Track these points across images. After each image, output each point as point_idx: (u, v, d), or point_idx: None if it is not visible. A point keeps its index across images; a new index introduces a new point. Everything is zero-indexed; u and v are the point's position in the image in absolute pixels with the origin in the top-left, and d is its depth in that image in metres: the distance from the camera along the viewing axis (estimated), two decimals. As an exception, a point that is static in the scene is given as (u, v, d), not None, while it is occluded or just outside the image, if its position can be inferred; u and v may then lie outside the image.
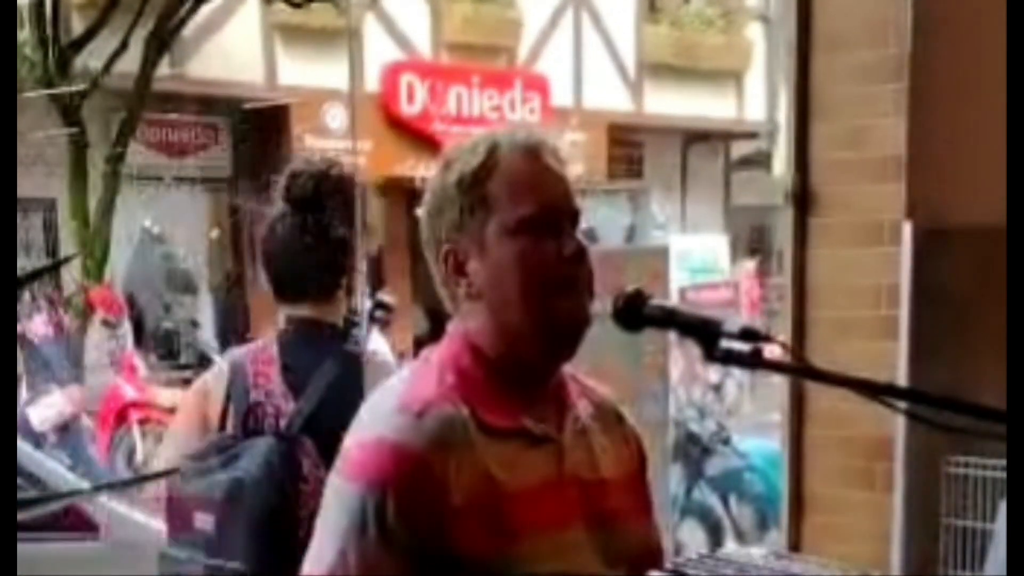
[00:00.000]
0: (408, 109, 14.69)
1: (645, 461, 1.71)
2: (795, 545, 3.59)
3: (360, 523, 1.42)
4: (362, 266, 2.56)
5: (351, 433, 1.52)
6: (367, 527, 1.42)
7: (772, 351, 1.50)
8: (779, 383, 4.07)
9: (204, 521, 2.32)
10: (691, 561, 1.53)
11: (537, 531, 1.49)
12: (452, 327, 1.59)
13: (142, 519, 5.18)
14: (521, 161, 1.52)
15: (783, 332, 3.71)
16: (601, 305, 1.53)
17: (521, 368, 1.54)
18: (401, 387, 1.54)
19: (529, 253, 1.50)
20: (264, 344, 2.46)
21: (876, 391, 1.45)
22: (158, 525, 5.16)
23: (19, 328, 8.88)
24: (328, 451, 1.64)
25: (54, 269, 12.08)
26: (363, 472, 1.45)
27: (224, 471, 2.30)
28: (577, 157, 15.72)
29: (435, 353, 1.58)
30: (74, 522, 4.77)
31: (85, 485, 5.68)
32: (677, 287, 9.24)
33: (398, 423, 1.46)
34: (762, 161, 17.43)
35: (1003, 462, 3.06)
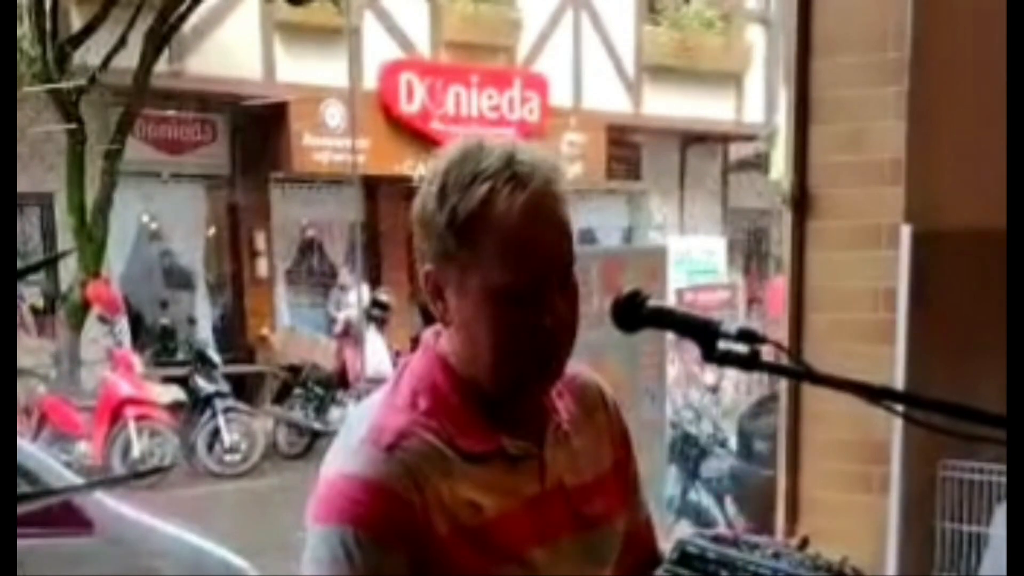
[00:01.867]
0: (407, 108, 14.67)
1: (628, 438, 1.69)
2: (790, 548, 3.58)
3: (344, 563, 1.39)
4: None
5: (325, 467, 1.47)
6: (351, 566, 1.39)
7: (770, 353, 1.50)
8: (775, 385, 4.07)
9: None
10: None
11: (526, 549, 1.47)
12: (426, 339, 1.55)
13: (135, 515, 5.19)
14: (517, 218, 1.40)
15: (779, 334, 3.71)
16: (599, 305, 1.52)
17: (492, 391, 1.50)
18: (371, 416, 1.48)
19: (507, 320, 1.43)
20: None
21: (873, 394, 1.44)
22: (150, 521, 5.20)
23: None
24: None
25: (51, 263, 12.06)
26: (337, 512, 1.42)
27: None
28: (576, 158, 15.73)
29: (408, 371, 1.53)
30: (68, 518, 4.76)
31: (79, 481, 5.68)
32: (675, 288, 9.25)
33: (368, 457, 1.42)
34: (760, 163, 17.43)
35: (999, 466, 3.06)
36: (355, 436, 1.46)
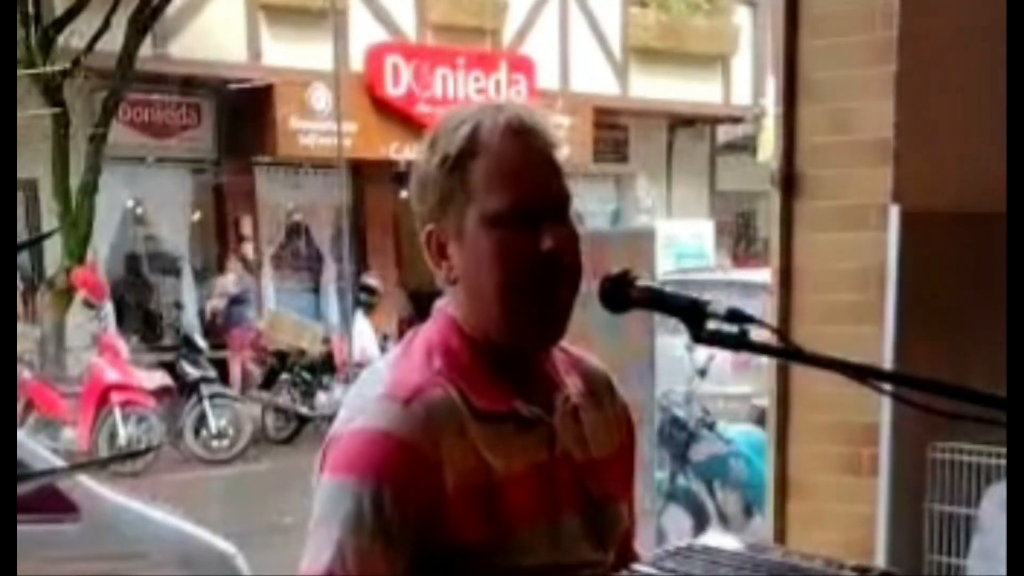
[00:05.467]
0: (393, 90, 14.62)
1: (633, 433, 1.69)
2: (780, 531, 3.58)
3: (356, 517, 1.39)
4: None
5: (337, 423, 1.48)
6: (363, 521, 1.38)
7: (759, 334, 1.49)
8: (765, 369, 4.07)
9: None
10: (668, 554, 1.49)
11: (530, 515, 1.47)
12: (439, 306, 1.56)
13: (122, 500, 5.17)
14: (504, 146, 1.46)
15: (768, 316, 3.70)
16: (587, 286, 1.50)
17: (506, 351, 1.51)
18: (387, 372, 1.50)
19: (505, 247, 1.45)
20: None
21: (863, 374, 1.43)
22: (137, 506, 5.18)
23: None
24: None
25: (35, 244, 12.00)
26: (355, 465, 1.41)
27: None
28: (563, 140, 15.70)
29: (421, 334, 1.54)
30: (54, 503, 4.74)
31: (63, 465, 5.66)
32: (662, 272, 9.24)
33: (387, 411, 1.43)
34: (748, 146, 17.43)
35: (988, 448, 3.06)
36: (370, 393, 1.47)
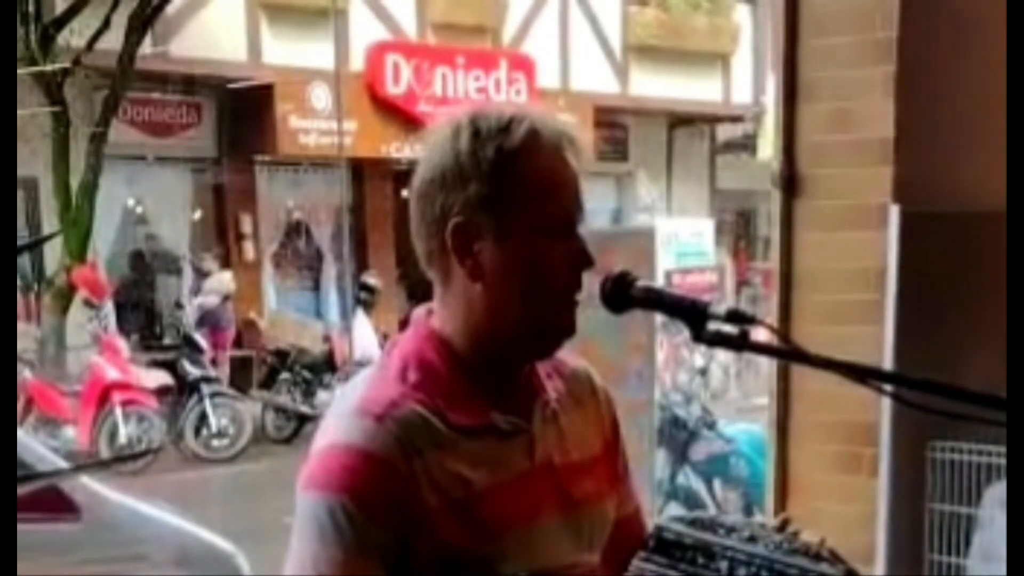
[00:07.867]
0: (393, 89, 14.62)
1: (618, 427, 1.68)
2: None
3: (330, 532, 1.39)
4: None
5: (316, 440, 1.48)
6: (337, 536, 1.39)
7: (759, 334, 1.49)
8: (764, 368, 4.07)
9: None
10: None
11: (513, 526, 1.47)
12: (417, 316, 1.55)
13: (123, 500, 5.16)
14: (558, 156, 1.48)
15: (769, 316, 3.70)
16: (587, 286, 1.50)
17: (492, 363, 1.50)
18: (362, 388, 1.49)
19: (547, 256, 1.45)
20: None
21: (862, 375, 1.43)
22: (138, 506, 5.17)
23: None
24: None
25: (37, 245, 11.99)
26: (326, 480, 1.42)
27: None
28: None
29: (398, 348, 1.53)
30: (55, 503, 4.74)
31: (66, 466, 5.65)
32: (663, 270, 9.25)
33: (359, 427, 1.42)
34: (748, 144, 17.43)
35: (988, 447, 3.06)
36: (345, 409, 1.47)
